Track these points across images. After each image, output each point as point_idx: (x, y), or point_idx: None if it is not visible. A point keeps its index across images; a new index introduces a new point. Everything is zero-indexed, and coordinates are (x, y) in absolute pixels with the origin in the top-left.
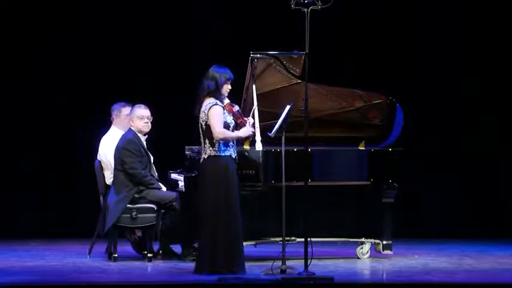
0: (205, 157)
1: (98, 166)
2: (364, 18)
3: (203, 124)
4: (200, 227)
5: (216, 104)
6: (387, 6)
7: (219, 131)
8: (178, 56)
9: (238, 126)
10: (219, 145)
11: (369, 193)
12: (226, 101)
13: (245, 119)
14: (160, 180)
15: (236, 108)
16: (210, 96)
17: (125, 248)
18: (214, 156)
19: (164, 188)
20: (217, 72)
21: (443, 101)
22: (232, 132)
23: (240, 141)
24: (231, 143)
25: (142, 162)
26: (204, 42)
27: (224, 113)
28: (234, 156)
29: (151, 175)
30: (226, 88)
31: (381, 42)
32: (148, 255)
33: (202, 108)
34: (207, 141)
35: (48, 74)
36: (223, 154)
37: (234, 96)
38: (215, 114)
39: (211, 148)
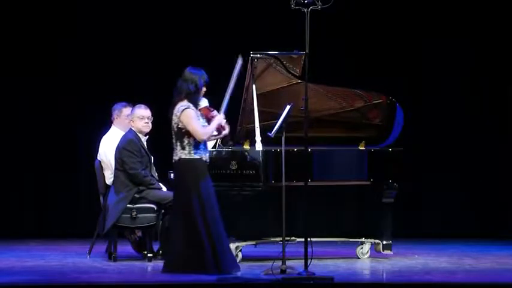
0: (176, 159)
1: (98, 166)
2: (364, 18)
3: (175, 127)
4: (177, 228)
5: (188, 108)
6: (387, 6)
7: (202, 132)
8: (178, 56)
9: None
10: (189, 148)
11: (369, 193)
12: (204, 103)
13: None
14: (160, 180)
15: (214, 113)
16: (186, 99)
17: (125, 248)
18: (185, 159)
19: (164, 188)
20: (195, 74)
21: (443, 101)
22: (209, 127)
23: (240, 140)
24: (201, 146)
25: (142, 163)
26: (204, 42)
27: (197, 116)
28: (205, 159)
29: (152, 175)
30: (203, 90)
31: (381, 42)
32: (148, 255)
33: (174, 111)
34: (178, 143)
35: (49, 74)
36: (193, 157)
37: (234, 96)
38: (191, 117)
39: (182, 151)
